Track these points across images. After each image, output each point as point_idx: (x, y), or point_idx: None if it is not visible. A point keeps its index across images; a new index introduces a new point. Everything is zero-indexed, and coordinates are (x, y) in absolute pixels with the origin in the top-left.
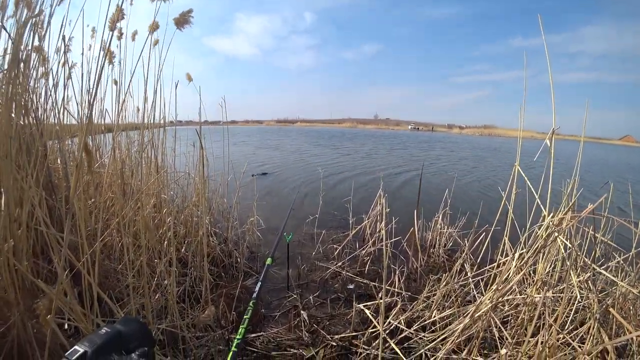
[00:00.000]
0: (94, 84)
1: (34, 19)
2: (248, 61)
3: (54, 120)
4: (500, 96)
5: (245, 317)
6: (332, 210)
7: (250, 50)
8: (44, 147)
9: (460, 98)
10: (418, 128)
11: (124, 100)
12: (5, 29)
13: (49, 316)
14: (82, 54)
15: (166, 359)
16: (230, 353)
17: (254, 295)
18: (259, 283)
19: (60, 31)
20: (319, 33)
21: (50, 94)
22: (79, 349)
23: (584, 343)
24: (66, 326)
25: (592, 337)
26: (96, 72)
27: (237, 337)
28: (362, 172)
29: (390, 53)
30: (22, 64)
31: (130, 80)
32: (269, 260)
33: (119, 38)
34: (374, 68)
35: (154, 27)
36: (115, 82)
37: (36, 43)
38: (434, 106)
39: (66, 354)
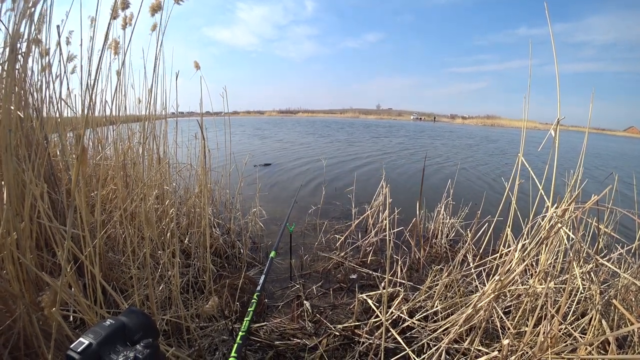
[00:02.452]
0: (94, 76)
1: (30, 10)
2: (249, 51)
3: (54, 113)
4: (504, 86)
5: (249, 309)
6: (333, 200)
7: (251, 40)
8: (45, 139)
9: (463, 88)
10: (420, 118)
11: (125, 92)
12: (2, 22)
13: (53, 309)
14: (81, 45)
15: (171, 349)
16: (235, 345)
17: (258, 288)
18: (263, 276)
19: (65, 21)
20: (321, 22)
21: (47, 87)
22: (84, 340)
23: (585, 334)
24: (71, 318)
25: (593, 328)
26: (98, 63)
27: (242, 329)
28: (345, 161)
29: (393, 42)
30: (20, 56)
31: (131, 71)
32: (272, 254)
33: (123, 27)
34: (377, 58)
35: (156, 6)
36: (118, 74)
37: (34, 35)
38: (437, 96)
39: (71, 346)
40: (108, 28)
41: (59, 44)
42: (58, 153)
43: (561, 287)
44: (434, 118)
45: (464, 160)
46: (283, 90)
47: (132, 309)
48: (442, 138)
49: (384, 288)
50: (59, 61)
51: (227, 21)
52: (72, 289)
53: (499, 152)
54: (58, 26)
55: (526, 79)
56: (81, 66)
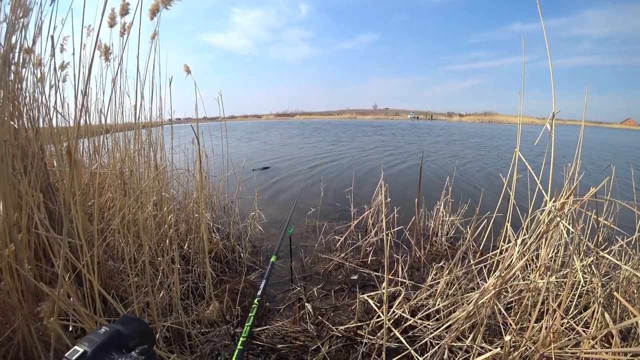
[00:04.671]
0: (85, 84)
1: (22, 20)
2: (244, 55)
3: (49, 123)
4: (501, 83)
5: (250, 314)
6: (332, 201)
7: (246, 44)
8: (40, 150)
9: (460, 85)
10: (417, 117)
11: (122, 99)
12: None
13: (52, 319)
14: (73, 54)
15: (173, 355)
16: (237, 351)
17: (259, 292)
18: (264, 280)
19: (61, 30)
20: (315, 24)
21: (42, 97)
22: (79, 349)
23: (588, 327)
24: (70, 328)
25: (596, 322)
26: (89, 70)
27: (243, 334)
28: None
29: (389, 42)
30: (13, 66)
31: (126, 79)
32: (273, 258)
33: (122, 34)
34: (373, 58)
35: (154, 10)
36: (113, 82)
37: (27, 45)
38: (434, 94)
39: (66, 354)
40: (98, 35)
41: (53, 54)
42: (55, 163)
43: (562, 281)
44: (431, 116)
45: (442, 155)
46: (280, 93)
47: (127, 316)
48: (429, 135)
49: (384, 288)
50: (54, 70)
51: (222, 26)
52: (71, 298)
53: (479, 146)
54: (52, 36)
55: (522, 75)
56: (74, 74)
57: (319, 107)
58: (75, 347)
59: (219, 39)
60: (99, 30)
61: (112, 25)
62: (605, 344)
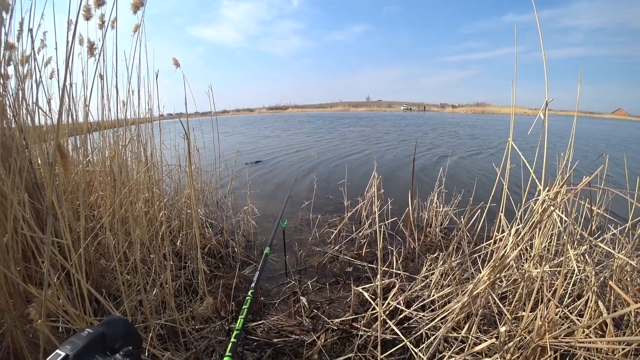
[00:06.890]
0: (64, 79)
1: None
2: (234, 48)
3: (33, 121)
4: (494, 73)
5: (243, 307)
6: (326, 194)
7: (236, 37)
8: (26, 148)
9: (453, 77)
10: (410, 108)
11: (108, 96)
12: None
13: (39, 321)
14: (56, 48)
15: (167, 353)
16: (230, 344)
17: (252, 285)
18: (257, 273)
19: (39, 25)
20: (306, 15)
21: (24, 94)
22: (61, 352)
23: (582, 316)
24: (61, 329)
25: (590, 310)
26: (66, 65)
27: (236, 328)
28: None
29: (381, 33)
30: None
31: (115, 75)
32: (267, 250)
33: (100, 27)
34: (365, 50)
35: (138, 3)
36: (101, 77)
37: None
38: (428, 86)
39: (48, 358)
40: (75, 27)
41: (33, 48)
42: (39, 162)
43: (556, 270)
44: (424, 108)
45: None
46: (273, 87)
47: (112, 317)
48: (415, 125)
49: (379, 280)
50: (34, 67)
51: (212, 19)
52: (60, 299)
53: (455, 134)
54: (30, 30)
55: (514, 67)
56: (57, 70)
57: (312, 100)
58: (57, 351)
59: (209, 33)
60: (76, 23)
61: (87, 17)
62: (599, 332)
